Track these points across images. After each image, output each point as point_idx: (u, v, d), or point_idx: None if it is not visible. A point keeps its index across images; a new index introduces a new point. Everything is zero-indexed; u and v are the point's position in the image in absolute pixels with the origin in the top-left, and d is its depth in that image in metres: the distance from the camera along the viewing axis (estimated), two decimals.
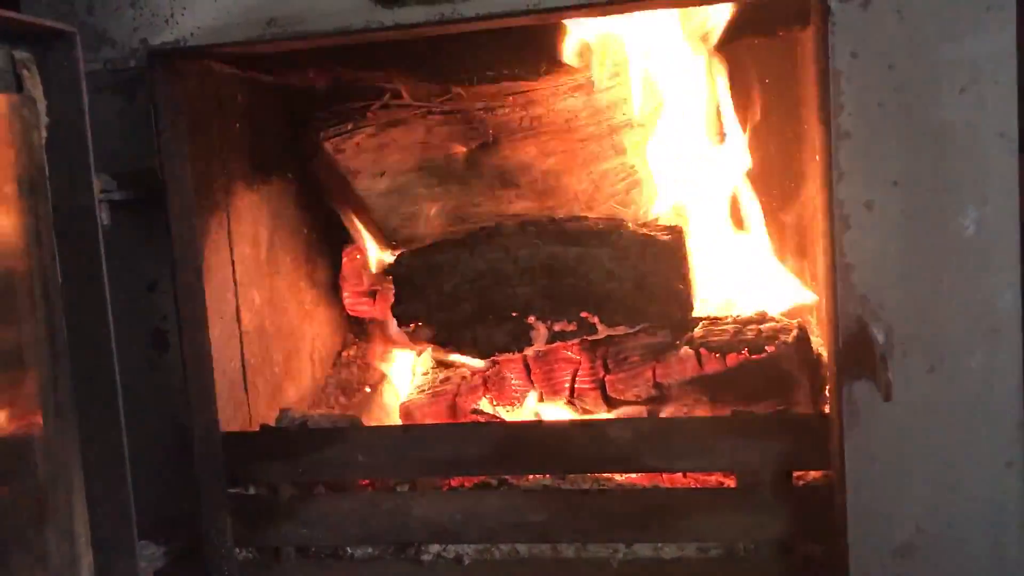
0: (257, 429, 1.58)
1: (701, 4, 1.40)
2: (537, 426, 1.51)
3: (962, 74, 1.16)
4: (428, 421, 1.66)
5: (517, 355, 1.65)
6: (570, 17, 1.30)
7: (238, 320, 1.63)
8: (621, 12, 1.41)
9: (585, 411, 1.66)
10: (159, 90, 1.35)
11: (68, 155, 1.19)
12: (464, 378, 1.71)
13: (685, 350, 1.56)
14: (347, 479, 1.50)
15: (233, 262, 1.63)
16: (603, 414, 1.64)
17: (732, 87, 1.79)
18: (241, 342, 1.64)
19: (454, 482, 1.51)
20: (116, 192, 1.33)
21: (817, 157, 1.25)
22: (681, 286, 1.59)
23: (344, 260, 2.00)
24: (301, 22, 1.29)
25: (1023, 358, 1.18)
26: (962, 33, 1.15)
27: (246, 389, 1.66)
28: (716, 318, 1.66)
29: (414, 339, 1.70)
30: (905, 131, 1.18)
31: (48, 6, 1.34)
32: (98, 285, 1.22)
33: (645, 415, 1.59)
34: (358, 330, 2.18)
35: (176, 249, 1.36)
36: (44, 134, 1.17)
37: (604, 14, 1.44)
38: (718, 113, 1.78)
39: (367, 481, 1.52)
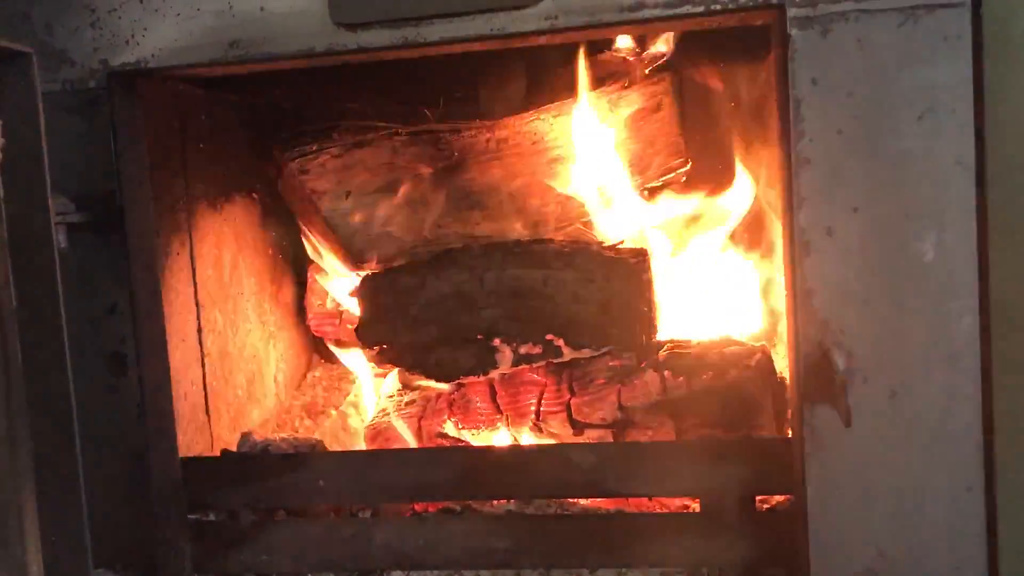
0: (218, 454, 1.56)
1: (661, 31, 1.41)
2: (501, 451, 1.50)
3: (920, 102, 1.17)
4: (392, 445, 1.65)
5: (482, 378, 1.64)
6: (533, 42, 1.30)
7: (200, 343, 1.61)
8: (584, 37, 1.42)
9: (551, 435, 1.65)
10: (119, 111, 1.33)
11: (24, 177, 1.17)
12: (429, 401, 1.70)
13: (650, 373, 1.56)
14: (309, 505, 1.49)
15: (195, 284, 1.61)
16: (568, 437, 1.63)
17: (697, 111, 1.80)
18: (203, 365, 1.62)
19: (417, 507, 1.50)
20: (74, 214, 1.31)
21: (779, 182, 1.26)
22: (646, 309, 1.59)
23: (309, 281, 1.99)
24: (264, 44, 1.29)
25: (982, 383, 1.19)
26: (920, 62, 1.17)
27: (208, 413, 1.63)
28: (680, 341, 1.66)
29: (379, 361, 1.69)
30: (865, 158, 1.18)
31: (5, 25, 1.32)
32: (54, 308, 1.20)
33: (610, 439, 1.59)
34: (324, 351, 2.17)
35: (134, 271, 1.34)
36: None
37: (567, 40, 1.44)
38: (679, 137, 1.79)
39: (330, 507, 1.51)
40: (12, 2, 1.33)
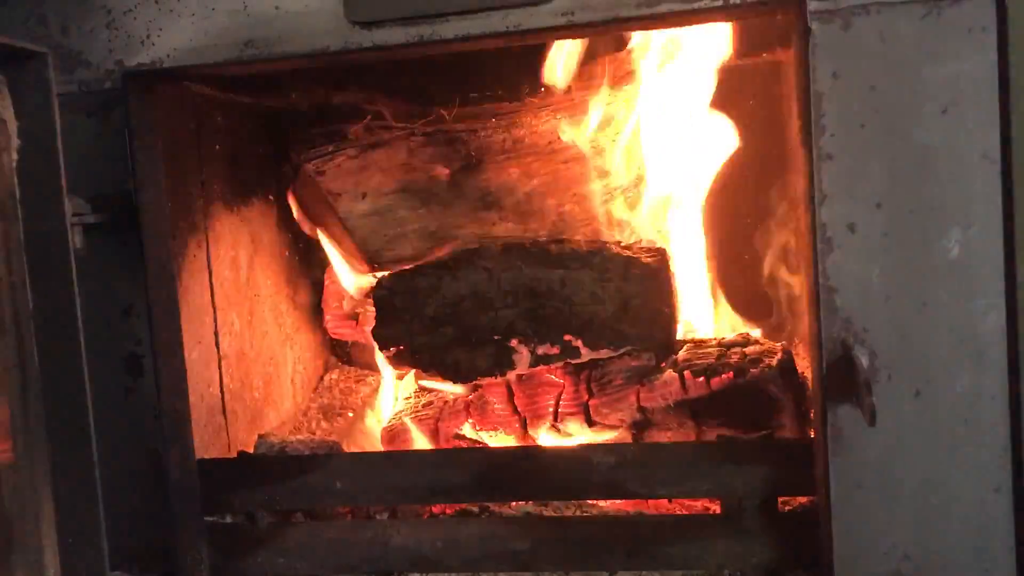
0: (235, 455, 1.56)
1: (680, 26, 1.40)
2: (519, 452, 1.49)
3: (944, 95, 1.15)
4: (410, 447, 1.64)
5: (500, 379, 1.63)
6: (549, 39, 1.30)
7: (217, 344, 1.61)
8: (599, 34, 1.41)
9: (569, 436, 1.64)
10: (135, 112, 1.33)
11: (40, 178, 1.17)
12: (446, 402, 1.69)
13: (669, 373, 1.55)
14: (326, 507, 1.48)
15: (212, 285, 1.60)
16: (587, 438, 1.62)
17: (717, 107, 1.78)
18: (220, 367, 1.62)
19: (435, 509, 1.49)
20: (90, 215, 1.31)
21: (801, 178, 1.24)
22: (665, 309, 1.58)
23: (326, 283, 1.98)
24: (279, 44, 1.28)
25: (1008, 381, 1.17)
26: (944, 54, 1.15)
27: (225, 414, 1.63)
28: (700, 340, 1.65)
29: (395, 363, 1.68)
30: (888, 153, 1.17)
31: (21, 27, 1.33)
32: (70, 310, 1.20)
33: (629, 440, 1.57)
34: (341, 353, 2.16)
35: (150, 273, 1.34)
36: (15, 157, 1.15)
37: (583, 35, 1.44)
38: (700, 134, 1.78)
39: (347, 508, 1.50)
40: (28, 4, 1.34)
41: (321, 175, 1.71)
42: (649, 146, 1.78)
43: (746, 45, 1.67)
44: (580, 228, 1.77)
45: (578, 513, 1.45)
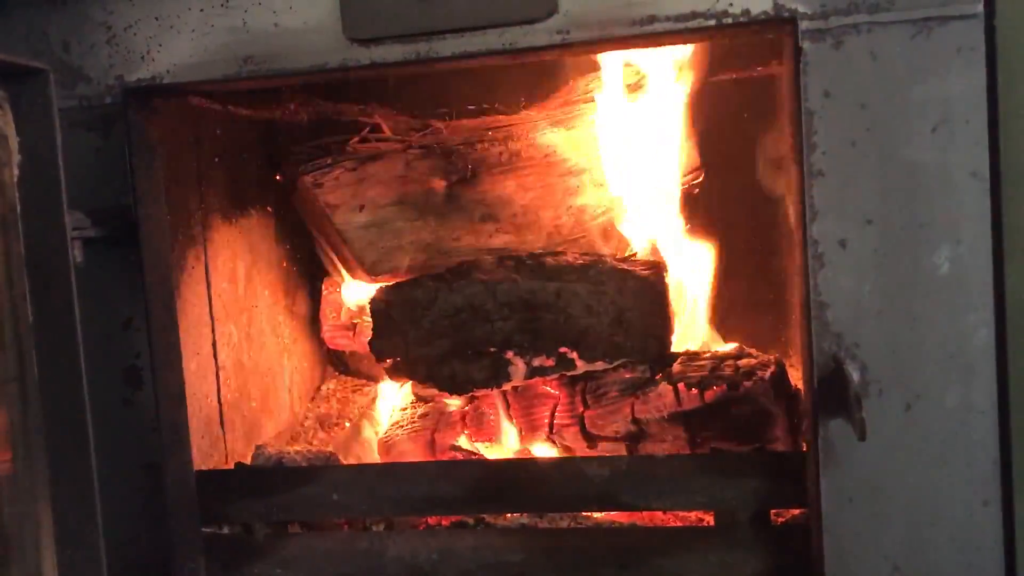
0: (233, 467, 1.56)
1: (674, 44, 1.41)
2: (514, 464, 1.50)
3: (934, 114, 1.17)
4: (406, 458, 1.65)
5: (496, 391, 1.64)
6: (546, 57, 1.31)
7: (215, 356, 1.62)
8: (596, 51, 1.42)
9: (565, 448, 1.65)
10: (134, 127, 1.34)
11: (41, 192, 1.18)
12: (442, 414, 1.70)
13: (663, 386, 1.56)
14: (322, 518, 1.49)
15: (210, 297, 1.62)
16: (582, 450, 1.63)
17: (709, 122, 1.80)
18: (218, 378, 1.63)
19: (431, 520, 1.50)
20: (90, 229, 1.31)
21: (793, 195, 1.26)
22: (660, 321, 1.59)
23: (323, 293, 1.99)
24: (277, 60, 1.29)
25: (998, 396, 1.18)
26: (934, 73, 1.16)
27: (223, 425, 1.64)
28: (694, 353, 1.66)
29: (392, 375, 1.69)
30: (878, 170, 1.18)
31: (22, 43, 1.34)
32: (70, 323, 1.21)
33: (624, 452, 1.58)
34: (338, 363, 2.17)
35: (149, 286, 1.35)
36: (16, 171, 1.16)
37: (579, 53, 1.45)
38: (693, 148, 1.79)
39: (343, 520, 1.51)
40: (29, 20, 1.35)
41: (319, 187, 1.72)
42: (642, 158, 1.80)
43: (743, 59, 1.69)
44: (576, 241, 1.78)
45: (572, 525, 1.46)
